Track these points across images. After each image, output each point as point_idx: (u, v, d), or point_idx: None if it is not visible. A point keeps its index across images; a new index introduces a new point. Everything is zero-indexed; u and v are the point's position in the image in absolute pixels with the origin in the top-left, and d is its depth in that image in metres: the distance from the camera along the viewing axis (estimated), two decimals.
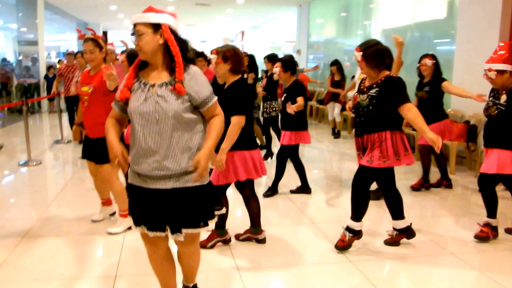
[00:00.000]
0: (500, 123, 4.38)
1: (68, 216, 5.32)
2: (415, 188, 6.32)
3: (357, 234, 4.29)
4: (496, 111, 4.39)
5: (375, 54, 3.97)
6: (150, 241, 2.89)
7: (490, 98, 4.55)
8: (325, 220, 5.23)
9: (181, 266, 3.12)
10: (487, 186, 4.51)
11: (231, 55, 4.03)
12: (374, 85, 4.02)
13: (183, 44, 2.73)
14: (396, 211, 4.33)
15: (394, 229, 4.41)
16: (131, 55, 5.01)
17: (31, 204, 5.99)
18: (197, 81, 2.69)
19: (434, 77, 5.97)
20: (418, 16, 10.02)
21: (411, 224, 4.39)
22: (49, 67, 16.18)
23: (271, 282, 3.82)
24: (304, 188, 6.22)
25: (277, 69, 5.99)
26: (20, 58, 16.51)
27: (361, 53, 3.99)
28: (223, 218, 4.35)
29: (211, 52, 4.10)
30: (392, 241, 4.43)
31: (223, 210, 3.01)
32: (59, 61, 16.59)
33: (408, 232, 4.39)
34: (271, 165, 7.38)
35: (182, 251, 3.02)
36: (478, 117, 7.17)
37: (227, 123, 3.88)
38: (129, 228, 4.67)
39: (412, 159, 4.10)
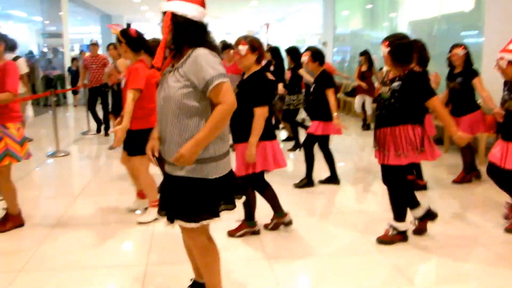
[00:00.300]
0: None
1: (96, 207, 5.37)
2: (457, 182, 6.17)
3: (401, 233, 4.22)
4: None
5: (400, 48, 3.90)
6: None
7: (505, 92, 4.44)
8: (354, 211, 5.21)
9: None
10: None
11: (258, 46, 4.04)
12: (397, 79, 3.97)
13: (193, 27, 2.65)
14: (411, 201, 4.26)
15: (415, 218, 4.35)
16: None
17: (60, 195, 6.06)
18: (197, 64, 2.55)
19: (466, 68, 5.83)
20: (445, 7, 9.87)
21: (429, 207, 4.32)
22: (73, 60, 16.26)
23: (300, 271, 3.80)
24: (333, 179, 6.17)
25: (305, 57, 5.93)
26: (46, 50, 16.63)
27: (388, 48, 3.92)
28: (251, 210, 4.35)
29: (235, 44, 4.06)
30: (419, 229, 4.37)
31: (235, 207, 2.85)
32: (80, 52, 16.67)
33: (430, 216, 4.32)
34: (298, 155, 7.38)
35: (185, 238, 2.99)
36: None
37: (248, 113, 3.93)
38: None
39: (435, 154, 4.02)
